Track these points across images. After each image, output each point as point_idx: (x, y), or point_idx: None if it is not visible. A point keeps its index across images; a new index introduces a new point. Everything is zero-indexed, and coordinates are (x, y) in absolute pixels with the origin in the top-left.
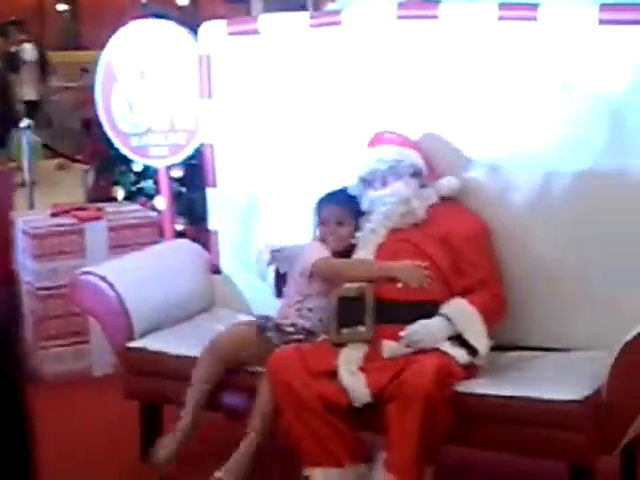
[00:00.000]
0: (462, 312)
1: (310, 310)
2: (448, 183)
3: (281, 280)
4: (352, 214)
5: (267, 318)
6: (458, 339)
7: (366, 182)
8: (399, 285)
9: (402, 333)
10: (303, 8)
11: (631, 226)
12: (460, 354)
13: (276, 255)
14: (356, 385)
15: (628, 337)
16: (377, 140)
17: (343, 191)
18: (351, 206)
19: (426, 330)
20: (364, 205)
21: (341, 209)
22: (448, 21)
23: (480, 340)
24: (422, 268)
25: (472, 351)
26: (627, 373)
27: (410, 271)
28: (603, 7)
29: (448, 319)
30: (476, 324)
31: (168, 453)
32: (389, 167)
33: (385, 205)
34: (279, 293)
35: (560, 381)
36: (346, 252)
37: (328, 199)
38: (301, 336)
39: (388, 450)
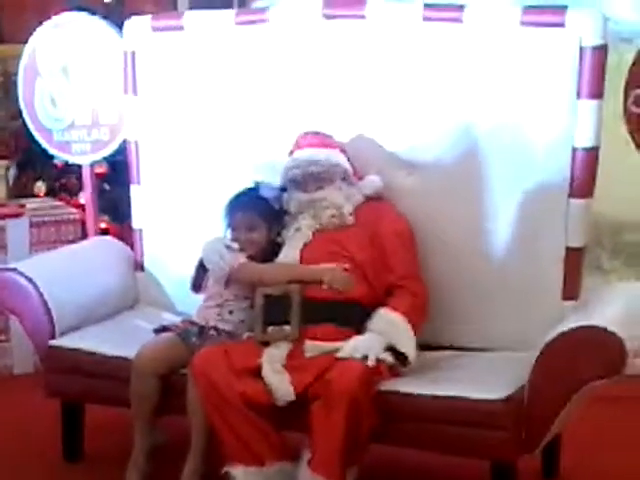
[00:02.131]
0: (389, 324)
1: (231, 313)
2: (372, 183)
3: (202, 275)
4: (264, 217)
5: (190, 322)
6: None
7: (295, 183)
8: (324, 287)
9: (339, 355)
10: (229, 5)
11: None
12: (386, 355)
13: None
14: (280, 384)
15: (549, 337)
16: (304, 141)
17: (252, 193)
18: (261, 209)
19: (361, 344)
20: (291, 206)
21: (251, 215)
22: (375, 21)
23: (409, 347)
24: (343, 270)
25: (402, 357)
26: (548, 373)
27: (334, 274)
28: (526, 9)
29: (378, 334)
30: (404, 332)
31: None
32: (323, 171)
33: (315, 209)
34: (195, 288)
35: (483, 380)
36: (262, 254)
37: (236, 204)
38: (223, 339)
39: (313, 449)
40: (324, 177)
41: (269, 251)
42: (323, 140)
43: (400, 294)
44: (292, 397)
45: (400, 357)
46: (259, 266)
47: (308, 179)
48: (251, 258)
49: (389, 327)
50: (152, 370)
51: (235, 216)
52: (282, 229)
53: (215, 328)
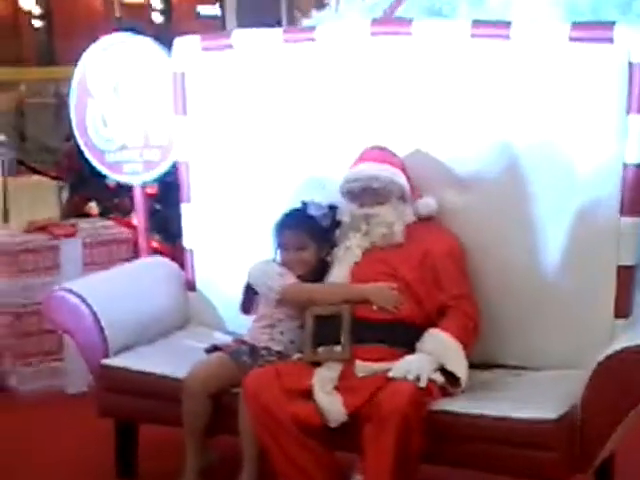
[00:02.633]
0: (440, 344)
1: (282, 333)
2: (427, 203)
3: (252, 297)
4: (313, 236)
5: (242, 342)
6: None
7: (352, 195)
8: (374, 307)
9: (390, 374)
10: (278, 24)
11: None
12: (437, 375)
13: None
14: (332, 405)
15: (601, 356)
16: (369, 156)
17: (300, 212)
18: (310, 228)
19: (412, 364)
20: (345, 217)
21: (300, 234)
22: (421, 38)
23: (461, 367)
24: (392, 289)
25: (453, 377)
26: (601, 392)
27: (381, 293)
28: (574, 25)
29: (429, 354)
30: (455, 353)
31: None
32: (381, 187)
33: (369, 225)
34: (245, 310)
35: (534, 400)
36: (313, 273)
37: (285, 224)
38: (274, 358)
39: (364, 471)
40: (381, 194)
41: (319, 270)
42: (386, 157)
43: (452, 314)
44: (344, 418)
45: (451, 378)
46: (308, 286)
47: (366, 194)
48: (300, 278)
49: (440, 347)
50: (204, 389)
51: (284, 236)
52: (332, 248)
53: (266, 348)
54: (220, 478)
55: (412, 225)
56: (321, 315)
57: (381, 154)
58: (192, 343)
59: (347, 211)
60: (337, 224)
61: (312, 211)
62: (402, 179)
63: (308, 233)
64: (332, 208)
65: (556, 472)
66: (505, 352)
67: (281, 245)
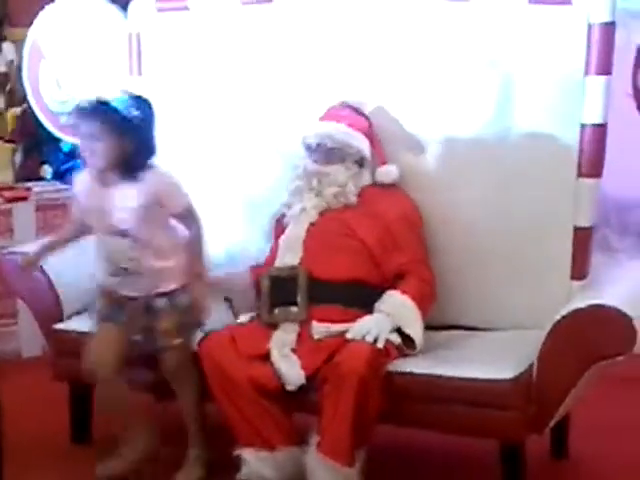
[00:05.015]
0: (399, 306)
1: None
2: (387, 171)
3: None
4: (111, 127)
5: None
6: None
7: (309, 150)
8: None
9: (348, 335)
10: None
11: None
12: (394, 336)
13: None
14: (290, 368)
15: (557, 316)
16: (331, 113)
17: (99, 103)
18: (108, 119)
19: (371, 325)
20: (298, 171)
21: (93, 124)
22: None
23: (417, 330)
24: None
25: (409, 339)
26: (557, 352)
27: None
28: None
29: (387, 315)
30: (413, 316)
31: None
32: (336, 147)
33: (320, 183)
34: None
35: (491, 360)
36: (120, 165)
37: (80, 112)
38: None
39: (321, 432)
40: (336, 154)
41: (130, 163)
42: (349, 117)
43: (409, 278)
44: (302, 381)
45: (407, 340)
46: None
47: (320, 151)
48: (105, 169)
49: (398, 309)
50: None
51: (77, 126)
52: (148, 142)
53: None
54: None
55: (370, 189)
56: (277, 276)
57: (345, 113)
58: None
59: (303, 165)
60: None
61: (114, 103)
62: (361, 143)
63: (104, 123)
64: (141, 99)
65: (512, 431)
66: (462, 313)
67: (77, 133)
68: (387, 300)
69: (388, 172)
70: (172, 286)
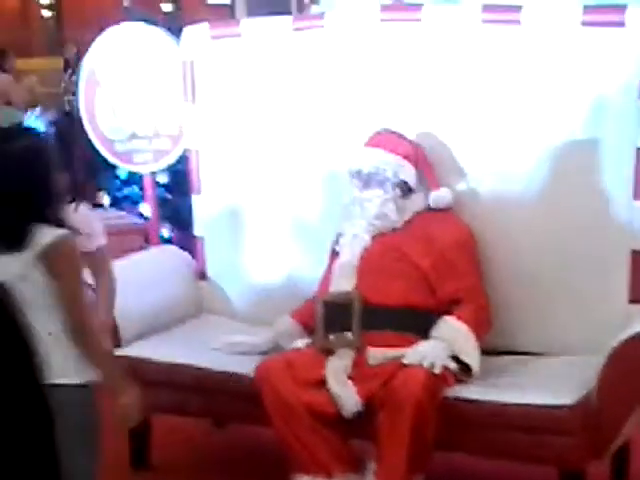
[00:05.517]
0: (455, 333)
1: None
2: (440, 196)
3: None
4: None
5: None
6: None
7: (352, 177)
8: None
9: (405, 360)
10: (287, 12)
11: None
12: (450, 362)
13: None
14: (346, 394)
15: (616, 341)
16: (373, 140)
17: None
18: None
19: (427, 350)
20: (346, 199)
21: None
22: (431, 24)
23: (474, 358)
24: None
25: (465, 366)
26: (616, 377)
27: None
28: (586, 9)
29: (443, 341)
30: (469, 343)
31: None
32: (372, 172)
33: (362, 208)
34: None
35: (550, 386)
36: None
37: None
38: None
39: (378, 458)
40: (374, 178)
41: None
42: (390, 142)
43: (464, 304)
44: (359, 407)
45: (463, 366)
46: None
47: (360, 177)
48: None
49: (454, 335)
50: None
51: None
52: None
53: None
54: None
55: (424, 214)
56: (332, 302)
57: (387, 139)
58: (203, 331)
59: (349, 191)
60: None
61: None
62: (399, 166)
63: None
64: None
65: (572, 458)
66: (520, 339)
67: None
68: (443, 326)
69: (441, 197)
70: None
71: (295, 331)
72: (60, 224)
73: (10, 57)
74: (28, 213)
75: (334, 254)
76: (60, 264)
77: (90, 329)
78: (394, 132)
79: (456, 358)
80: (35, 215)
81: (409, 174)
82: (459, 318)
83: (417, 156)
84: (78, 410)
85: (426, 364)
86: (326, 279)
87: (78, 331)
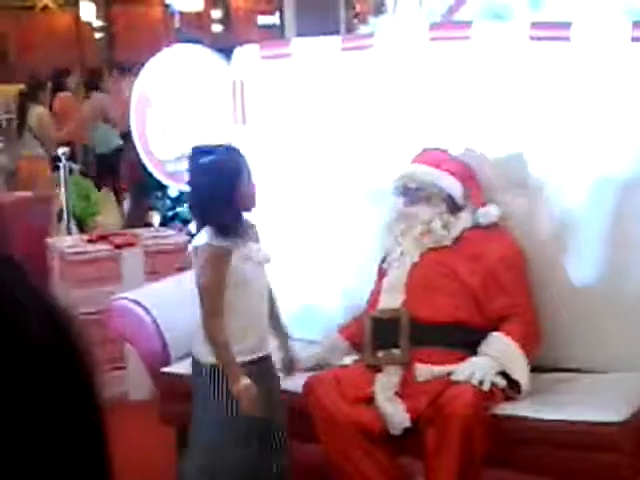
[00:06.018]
0: (504, 349)
1: None
2: (486, 212)
3: None
4: None
5: None
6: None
7: (398, 193)
8: None
9: (453, 377)
10: (337, 31)
11: None
12: (499, 379)
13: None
14: (395, 412)
15: None
16: (418, 157)
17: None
18: None
19: (476, 367)
20: (392, 215)
21: None
22: (480, 42)
23: (523, 374)
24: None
25: (514, 383)
26: None
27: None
28: (636, 24)
29: (492, 357)
30: (518, 360)
31: None
32: (419, 188)
33: (406, 224)
34: None
35: (599, 403)
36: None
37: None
38: None
39: (427, 476)
40: (420, 194)
41: None
42: (437, 159)
43: (513, 321)
44: (407, 424)
45: (512, 383)
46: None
47: (405, 193)
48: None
49: (503, 352)
50: None
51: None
52: None
53: None
54: None
55: (472, 230)
56: (379, 318)
57: (431, 156)
58: None
59: (394, 207)
60: None
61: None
62: (445, 181)
63: None
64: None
65: (621, 476)
66: (569, 355)
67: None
68: (491, 342)
69: (488, 213)
70: None
71: (343, 347)
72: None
73: (105, 76)
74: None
75: (382, 272)
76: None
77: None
78: (440, 149)
79: (505, 374)
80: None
81: (455, 189)
82: (508, 334)
83: (464, 173)
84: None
85: (475, 381)
86: (374, 296)
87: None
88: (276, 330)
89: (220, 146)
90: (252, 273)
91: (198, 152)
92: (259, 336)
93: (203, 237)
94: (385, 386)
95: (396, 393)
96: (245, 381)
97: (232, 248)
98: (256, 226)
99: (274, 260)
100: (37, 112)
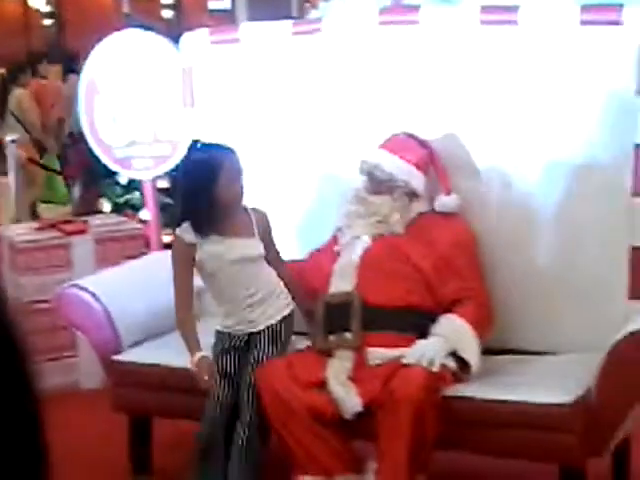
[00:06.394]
0: (456, 330)
1: None
2: (444, 203)
3: None
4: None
5: None
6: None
7: (363, 174)
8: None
9: (404, 360)
10: (288, 16)
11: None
12: (450, 360)
13: None
14: (347, 396)
15: (616, 338)
16: (387, 143)
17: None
18: None
19: (426, 348)
20: (352, 195)
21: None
22: (429, 26)
23: (473, 355)
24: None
25: (464, 363)
26: (615, 374)
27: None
28: (584, 8)
29: (443, 338)
30: (469, 340)
31: None
32: (385, 179)
33: (367, 210)
34: None
35: (549, 384)
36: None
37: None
38: None
39: (379, 459)
40: (385, 185)
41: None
42: (405, 148)
43: (466, 303)
44: (359, 409)
45: (462, 364)
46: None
47: (371, 179)
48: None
49: (455, 332)
50: None
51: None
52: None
53: None
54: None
55: (427, 215)
56: (331, 303)
57: (403, 144)
58: (204, 336)
59: (355, 189)
60: None
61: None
62: (411, 176)
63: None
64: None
65: (572, 455)
66: (520, 338)
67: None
68: (443, 323)
69: (447, 203)
70: None
71: None
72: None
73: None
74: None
75: (335, 240)
76: None
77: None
78: (412, 136)
79: (456, 356)
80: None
81: (419, 183)
82: (461, 316)
83: (430, 161)
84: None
85: (425, 362)
86: (316, 256)
87: None
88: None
89: (214, 145)
90: (216, 268)
91: (191, 148)
92: (238, 318)
93: (180, 229)
94: (337, 370)
95: (349, 377)
96: (199, 354)
97: (196, 242)
98: (258, 221)
99: None
100: (17, 95)
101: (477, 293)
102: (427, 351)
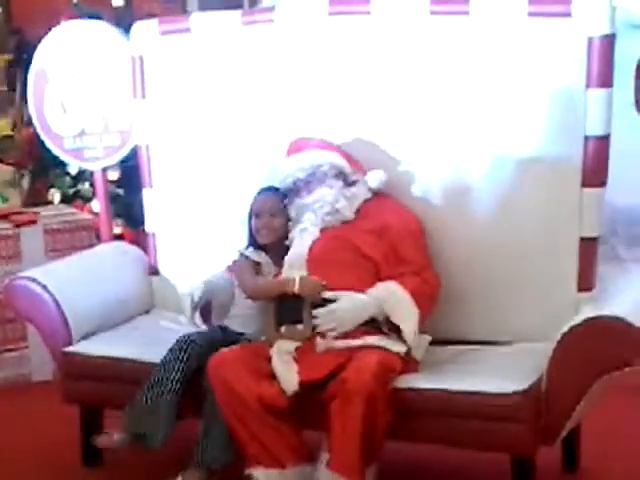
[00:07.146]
0: (391, 294)
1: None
2: (375, 176)
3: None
4: (283, 207)
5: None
6: (391, 330)
7: (292, 191)
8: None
9: (316, 322)
10: (240, 6)
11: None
12: (397, 346)
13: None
14: (286, 372)
15: (565, 328)
16: (295, 147)
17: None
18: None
19: (336, 315)
20: (292, 213)
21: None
22: (380, 16)
23: (408, 323)
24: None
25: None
26: (565, 364)
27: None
28: (532, 0)
29: (375, 299)
30: (406, 308)
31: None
32: (309, 174)
33: (313, 212)
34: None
35: (500, 374)
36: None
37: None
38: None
39: (331, 449)
40: (313, 180)
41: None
42: (313, 143)
43: (411, 278)
44: (295, 386)
45: (394, 327)
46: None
47: (299, 185)
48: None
49: (390, 296)
50: None
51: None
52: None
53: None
54: None
55: (368, 202)
56: (282, 295)
57: (303, 142)
58: (156, 327)
59: (292, 205)
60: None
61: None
62: (330, 156)
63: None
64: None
65: (523, 444)
66: (470, 327)
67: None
68: (380, 286)
69: (376, 177)
70: None
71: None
72: None
73: None
74: None
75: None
76: None
77: None
78: (303, 139)
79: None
80: None
81: (340, 159)
82: (400, 283)
83: (343, 150)
84: None
85: (326, 326)
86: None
87: None
88: None
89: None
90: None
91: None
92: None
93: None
94: (282, 350)
95: (294, 358)
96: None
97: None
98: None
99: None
100: None
101: (423, 271)
102: (336, 317)
